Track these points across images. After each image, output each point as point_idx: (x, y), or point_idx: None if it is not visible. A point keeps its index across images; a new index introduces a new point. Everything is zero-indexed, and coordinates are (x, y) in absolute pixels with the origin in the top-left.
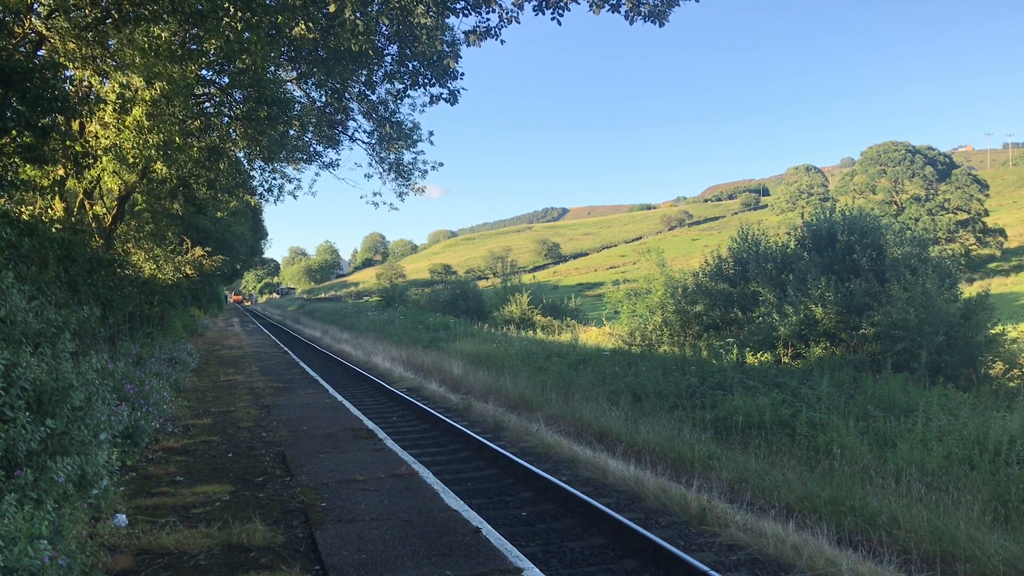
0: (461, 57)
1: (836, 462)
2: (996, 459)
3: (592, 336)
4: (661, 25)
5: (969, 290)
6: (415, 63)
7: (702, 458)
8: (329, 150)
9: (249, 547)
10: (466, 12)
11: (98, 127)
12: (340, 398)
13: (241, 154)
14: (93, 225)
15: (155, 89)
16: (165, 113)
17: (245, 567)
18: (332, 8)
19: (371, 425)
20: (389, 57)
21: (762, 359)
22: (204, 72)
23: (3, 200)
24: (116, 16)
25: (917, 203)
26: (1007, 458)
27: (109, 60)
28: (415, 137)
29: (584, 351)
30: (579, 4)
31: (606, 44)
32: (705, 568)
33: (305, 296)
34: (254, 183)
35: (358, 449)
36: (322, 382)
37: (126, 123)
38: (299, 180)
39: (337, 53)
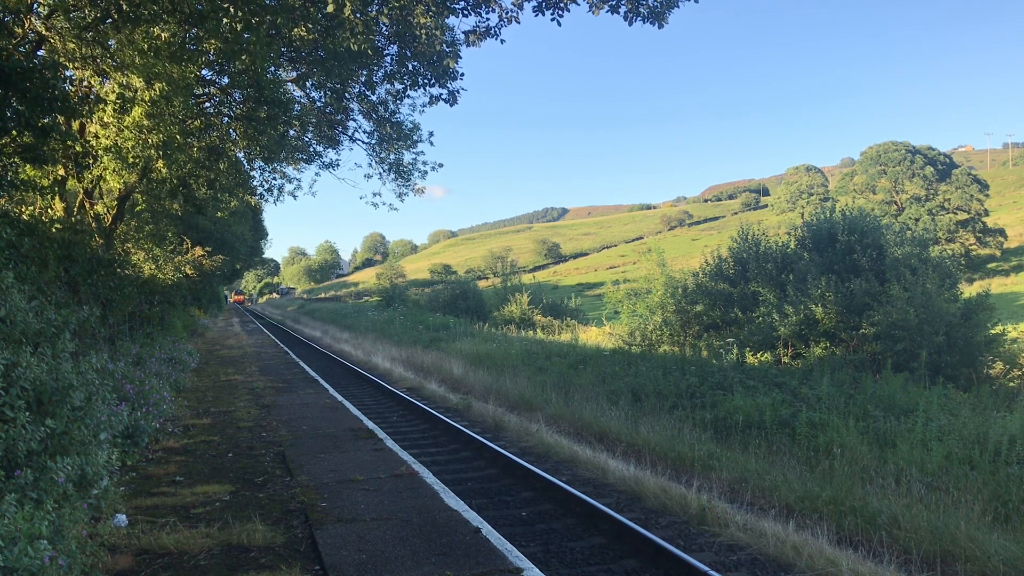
0: (461, 57)
1: (836, 462)
2: (996, 459)
3: (592, 336)
4: (660, 26)
5: (969, 290)
6: (415, 63)
7: (702, 458)
8: (329, 150)
9: (249, 547)
10: (466, 12)
11: (98, 127)
12: (340, 398)
13: (241, 154)
14: (93, 225)
15: (155, 89)
16: (165, 113)
17: (245, 567)
18: (331, 8)
19: (371, 425)
20: (389, 57)
21: (762, 359)
22: (204, 72)
23: (3, 200)
24: (116, 16)
25: (917, 203)
26: (1007, 458)
27: (109, 60)
28: (415, 137)
29: (584, 351)
30: (579, 5)
31: (606, 44)
32: (705, 568)
33: (305, 296)
34: (254, 183)
35: (358, 449)
36: (322, 382)
37: (125, 123)
38: (299, 180)
39: (337, 53)
